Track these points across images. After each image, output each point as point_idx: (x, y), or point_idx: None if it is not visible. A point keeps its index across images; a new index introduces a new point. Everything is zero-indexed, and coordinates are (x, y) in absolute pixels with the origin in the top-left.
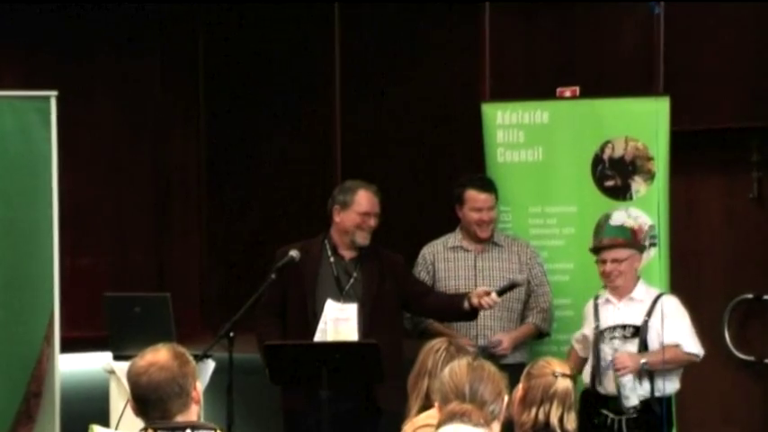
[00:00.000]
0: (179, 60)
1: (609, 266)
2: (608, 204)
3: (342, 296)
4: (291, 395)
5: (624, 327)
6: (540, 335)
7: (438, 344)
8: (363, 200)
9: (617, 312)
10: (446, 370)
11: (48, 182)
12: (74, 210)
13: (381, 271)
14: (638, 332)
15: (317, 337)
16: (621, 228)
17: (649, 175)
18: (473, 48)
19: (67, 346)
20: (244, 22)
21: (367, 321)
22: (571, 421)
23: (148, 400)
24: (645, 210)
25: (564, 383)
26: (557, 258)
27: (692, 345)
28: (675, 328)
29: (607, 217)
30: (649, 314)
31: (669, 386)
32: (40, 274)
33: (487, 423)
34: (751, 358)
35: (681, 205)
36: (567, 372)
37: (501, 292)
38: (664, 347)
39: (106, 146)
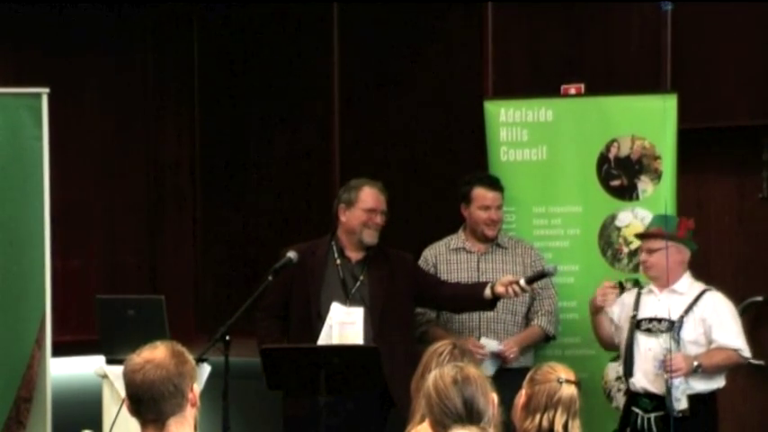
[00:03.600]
0: (173, 58)
1: (643, 256)
2: (614, 205)
3: (348, 299)
4: (293, 401)
5: (660, 320)
6: (546, 338)
7: (442, 347)
8: (368, 197)
9: (657, 304)
10: (430, 386)
11: (39, 182)
12: (64, 210)
13: (391, 271)
14: (672, 327)
15: (322, 340)
16: (666, 218)
17: (656, 175)
18: (475, 43)
19: (59, 350)
20: (240, 19)
21: (377, 325)
22: (576, 428)
23: (142, 398)
24: (652, 210)
25: (569, 390)
26: (561, 260)
27: (746, 348)
28: (729, 330)
29: (613, 218)
30: (688, 311)
31: (702, 385)
32: (30, 276)
33: None
34: (761, 362)
35: (690, 205)
36: (572, 378)
37: (530, 281)
38: (719, 349)
39: (97, 145)
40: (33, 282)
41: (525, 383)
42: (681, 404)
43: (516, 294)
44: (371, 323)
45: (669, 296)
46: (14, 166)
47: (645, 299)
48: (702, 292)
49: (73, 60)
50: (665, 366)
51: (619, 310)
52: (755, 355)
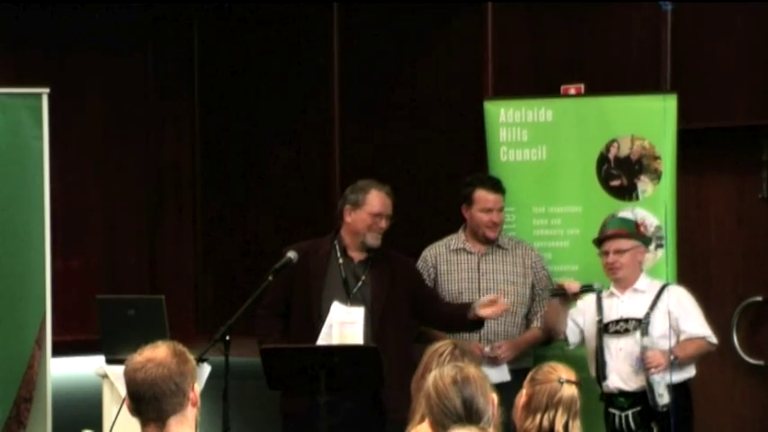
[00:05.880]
0: (172, 57)
1: (611, 258)
2: (614, 205)
3: (349, 299)
4: (291, 399)
5: (627, 320)
6: (547, 340)
7: (442, 347)
8: (375, 200)
9: (621, 305)
10: (430, 387)
11: (39, 181)
12: (64, 210)
13: (392, 275)
14: (641, 325)
15: (321, 340)
16: (625, 220)
17: (656, 175)
18: (475, 43)
19: (59, 350)
20: (240, 19)
21: (376, 326)
22: (576, 428)
23: (143, 397)
24: (652, 210)
25: (570, 390)
26: (561, 260)
27: (713, 335)
28: (695, 320)
29: (613, 217)
30: (653, 306)
31: (676, 376)
32: (31, 276)
33: None
34: (760, 362)
35: (690, 205)
36: (573, 378)
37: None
38: (690, 340)
39: (97, 145)
40: (33, 282)
41: (526, 383)
42: (664, 399)
43: (494, 317)
44: (371, 323)
45: (633, 295)
46: (14, 166)
47: (607, 302)
48: (663, 287)
49: (73, 60)
50: (645, 364)
51: (582, 317)
52: (755, 355)
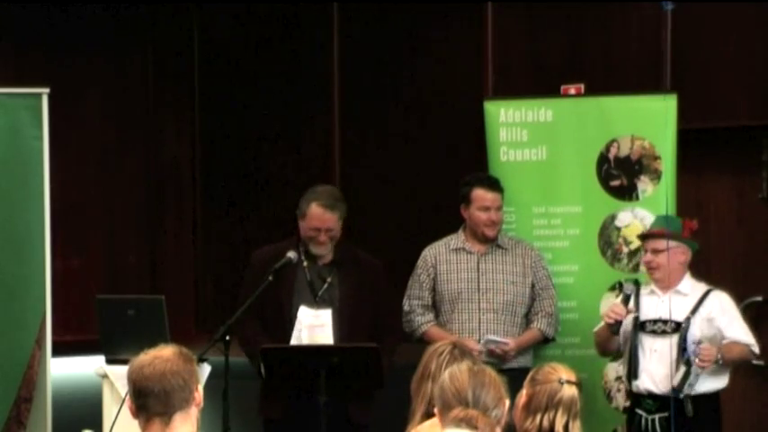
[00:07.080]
0: (172, 57)
1: (648, 257)
2: (614, 205)
3: (315, 302)
4: (269, 403)
5: (666, 321)
6: (545, 340)
7: (442, 347)
8: (313, 215)
9: (661, 305)
10: (446, 374)
11: (39, 182)
12: (64, 210)
13: (359, 275)
14: (679, 328)
15: (293, 344)
16: (669, 219)
17: (656, 175)
18: (475, 43)
19: (59, 350)
20: (240, 19)
21: (344, 328)
22: (576, 429)
23: (151, 391)
24: (652, 210)
25: (570, 391)
26: (561, 260)
27: (756, 343)
28: (740, 328)
29: (613, 218)
30: (694, 311)
31: (708, 385)
32: (31, 276)
33: (491, 429)
34: (760, 363)
35: (690, 205)
36: (573, 379)
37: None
38: (734, 343)
39: (97, 145)
40: (33, 282)
41: (526, 383)
42: (691, 389)
43: None
44: (339, 325)
45: (674, 297)
46: (14, 166)
47: (646, 300)
48: (707, 293)
49: (73, 60)
50: (699, 355)
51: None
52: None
